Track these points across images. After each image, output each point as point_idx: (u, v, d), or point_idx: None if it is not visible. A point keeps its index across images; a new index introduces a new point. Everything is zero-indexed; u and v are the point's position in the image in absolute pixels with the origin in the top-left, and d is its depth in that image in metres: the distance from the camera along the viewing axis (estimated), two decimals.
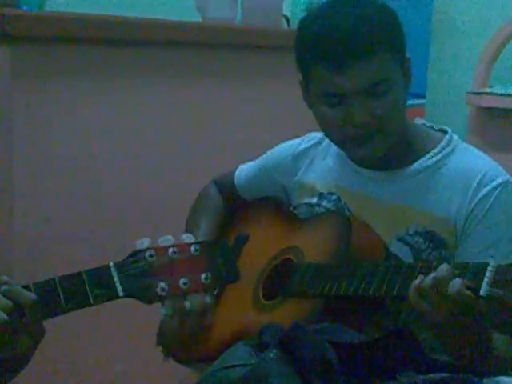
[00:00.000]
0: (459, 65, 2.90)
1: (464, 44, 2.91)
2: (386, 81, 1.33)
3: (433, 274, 1.14)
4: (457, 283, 1.10)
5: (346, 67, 1.31)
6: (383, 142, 1.37)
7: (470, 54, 2.79)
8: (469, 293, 1.10)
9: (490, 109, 2.69)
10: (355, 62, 1.30)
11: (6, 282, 1.01)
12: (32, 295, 1.00)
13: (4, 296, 0.99)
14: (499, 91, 2.68)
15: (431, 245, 1.37)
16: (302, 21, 1.40)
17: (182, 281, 1.08)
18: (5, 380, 1.04)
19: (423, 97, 2.90)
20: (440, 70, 2.94)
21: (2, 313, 0.97)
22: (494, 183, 1.36)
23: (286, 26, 2.48)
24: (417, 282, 1.16)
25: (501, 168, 1.40)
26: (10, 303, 0.99)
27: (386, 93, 1.33)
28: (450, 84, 2.93)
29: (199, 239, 1.55)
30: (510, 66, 2.79)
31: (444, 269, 1.14)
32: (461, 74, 2.88)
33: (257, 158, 1.69)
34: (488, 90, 2.71)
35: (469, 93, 2.71)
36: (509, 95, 2.64)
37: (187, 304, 1.10)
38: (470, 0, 2.91)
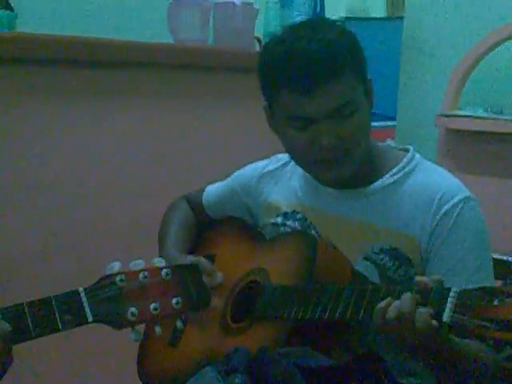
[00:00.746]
0: (429, 87, 2.93)
1: (434, 67, 2.94)
2: (351, 102, 1.34)
3: (397, 305, 1.13)
4: (423, 315, 1.10)
5: (313, 91, 1.31)
6: (350, 166, 1.38)
7: (440, 77, 2.83)
8: (434, 322, 1.09)
9: (459, 131, 2.72)
10: (321, 86, 1.30)
11: None
12: (7, 326, 0.99)
13: None
14: (468, 113, 2.71)
15: (397, 262, 1.37)
16: (265, 46, 1.40)
17: (152, 306, 1.08)
18: None
19: (394, 119, 2.92)
20: (410, 93, 2.97)
21: None
22: (456, 199, 1.37)
23: (257, 47, 2.49)
24: (382, 305, 1.15)
25: (462, 185, 1.41)
26: None
27: (352, 114, 1.34)
28: (420, 106, 2.95)
29: (170, 249, 1.57)
30: (479, 89, 2.82)
31: (407, 300, 1.12)
32: (431, 96, 2.91)
33: (226, 178, 1.69)
34: (457, 112, 2.74)
35: (438, 115, 2.74)
36: (478, 117, 2.67)
37: (157, 329, 1.09)
38: (439, 24, 2.94)
